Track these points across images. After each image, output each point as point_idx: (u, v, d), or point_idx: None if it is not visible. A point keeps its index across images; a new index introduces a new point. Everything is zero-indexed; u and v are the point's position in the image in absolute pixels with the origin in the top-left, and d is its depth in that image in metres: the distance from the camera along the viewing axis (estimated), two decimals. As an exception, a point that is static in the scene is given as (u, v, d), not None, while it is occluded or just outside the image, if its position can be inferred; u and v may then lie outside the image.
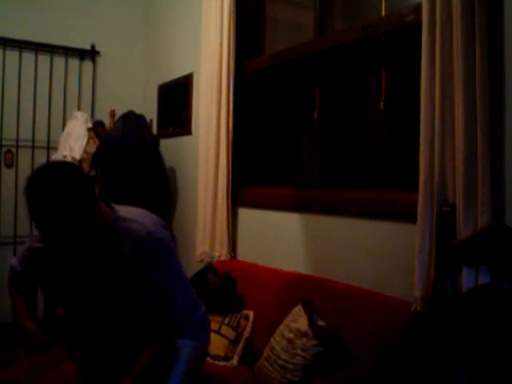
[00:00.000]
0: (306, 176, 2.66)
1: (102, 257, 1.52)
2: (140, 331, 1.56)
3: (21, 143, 3.62)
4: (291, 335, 1.93)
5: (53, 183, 1.37)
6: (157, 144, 3.41)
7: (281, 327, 2.03)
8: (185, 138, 3.48)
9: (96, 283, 1.55)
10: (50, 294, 1.64)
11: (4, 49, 3.55)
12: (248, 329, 2.29)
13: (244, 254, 2.86)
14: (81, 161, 3.35)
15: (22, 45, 3.58)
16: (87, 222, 1.43)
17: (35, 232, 1.62)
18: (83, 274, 1.56)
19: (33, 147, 3.66)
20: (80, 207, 1.39)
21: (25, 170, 3.63)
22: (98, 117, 3.71)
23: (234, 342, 2.24)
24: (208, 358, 2.10)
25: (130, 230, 1.49)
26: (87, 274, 1.55)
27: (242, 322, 2.31)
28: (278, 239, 2.64)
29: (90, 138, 3.42)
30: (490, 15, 1.59)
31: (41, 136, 3.68)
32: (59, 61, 3.75)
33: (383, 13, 2.27)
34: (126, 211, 1.58)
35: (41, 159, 3.69)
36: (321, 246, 2.38)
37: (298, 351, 1.87)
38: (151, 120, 3.83)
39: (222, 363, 2.17)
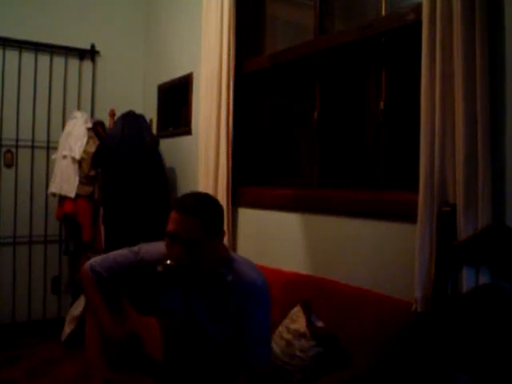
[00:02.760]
0: (305, 176, 2.66)
1: (217, 292, 1.62)
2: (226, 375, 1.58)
3: (21, 143, 3.62)
4: (290, 336, 1.93)
5: (203, 205, 1.55)
6: (156, 144, 3.41)
7: (280, 328, 2.02)
8: (185, 138, 3.48)
9: (200, 314, 1.63)
10: (144, 309, 1.66)
11: (4, 49, 3.55)
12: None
13: (244, 254, 2.85)
14: (80, 161, 3.35)
15: (21, 45, 3.58)
16: (209, 248, 1.54)
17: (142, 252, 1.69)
18: (189, 299, 1.64)
19: (33, 147, 3.66)
20: (211, 230, 1.53)
21: (25, 170, 3.65)
22: (98, 117, 3.71)
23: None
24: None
25: (244, 272, 1.61)
26: (194, 301, 1.63)
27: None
28: (278, 239, 2.63)
29: (89, 137, 3.42)
30: (490, 15, 1.59)
31: (41, 136, 3.68)
32: (59, 61, 3.74)
33: (383, 13, 2.27)
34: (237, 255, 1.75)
35: (41, 159, 3.70)
36: (321, 245, 2.37)
37: (297, 352, 1.86)
38: (151, 120, 3.83)
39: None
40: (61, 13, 3.72)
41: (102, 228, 3.35)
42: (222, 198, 2.82)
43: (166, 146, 3.62)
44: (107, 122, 3.61)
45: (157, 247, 1.64)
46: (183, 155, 3.48)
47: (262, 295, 1.61)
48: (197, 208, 1.51)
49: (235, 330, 1.60)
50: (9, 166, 3.61)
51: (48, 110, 3.70)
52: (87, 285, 1.71)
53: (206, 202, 1.57)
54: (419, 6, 1.83)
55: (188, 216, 1.49)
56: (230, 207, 2.85)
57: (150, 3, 4.07)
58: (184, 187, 3.46)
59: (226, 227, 2.81)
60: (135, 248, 1.71)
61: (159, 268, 1.52)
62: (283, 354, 1.91)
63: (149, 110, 3.84)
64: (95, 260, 1.74)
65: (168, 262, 1.52)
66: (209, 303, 1.63)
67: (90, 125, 3.47)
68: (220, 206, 1.60)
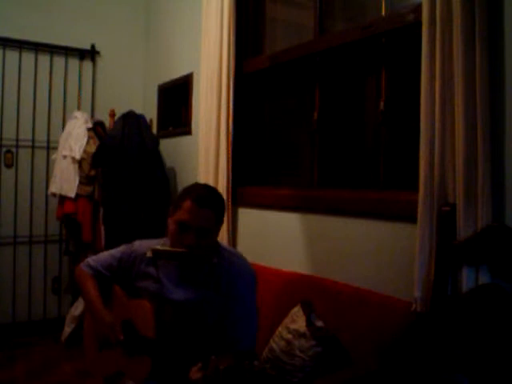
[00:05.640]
0: (305, 176, 2.66)
1: (207, 277, 1.71)
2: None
3: (21, 143, 3.62)
4: (290, 336, 1.93)
5: (215, 197, 1.70)
6: (157, 144, 3.41)
7: (280, 328, 2.02)
8: (185, 138, 3.48)
9: (191, 299, 1.69)
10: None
11: (4, 49, 3.55)
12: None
13: (244, 254, 2.84)
14: (81, 161, 3.35)
15: (22, 45, 3.58)
16: (215, 236, 1.71)
17: (137, 245, 1.82)
18: (183, 285, 1.71)
19: (33, 147, 3.66)
20: (219, 220, 1.70)
21: (25, 170, 3.65)
22: (98, 117, 3.71)
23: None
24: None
25: (233, 261, 1.74)
26: (187, 286, 1.71)
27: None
28: (278, 239, 2.64)
29: (89, 137, 3.42)
30: (490, 15, 1.59)
31: (41, 136, 3.68)
32: (59, 61, 3.75)
33: (383, 13, 2.27)
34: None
35: (41, 159, 3.70)
36: (321, 245, 2.37)
37: (297, 352, 1.87)
38: (151, 120, 3.83)
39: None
40: (61, 13, 3.72)
41: (102, 228, 3.35)
42: (222, 197, 2.82)
43: (166, 145, 3.62)
44: (107, 122, 3.61)
45: (149, 242, 1.78)
46: (183, 155, 3.48)
47: (249, 279, 1.74)
48: (212, 200, 1.66)
49: (223, 313, 1.67)
50: (9, 166, 3.61)
51: (48, 110, 3.70)
52: (84, 279, 1.82)
53: (217, 194, 1.73)
54: (419, 7, 1.84)
55: (204, 208, 1.61)
56: (230, 207, 2.85)
57: (150, 3, 4.07)
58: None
59: (225, 225, 2.83)
60: (130, 243, 1.85)
61: (148, 253, 1.69)
62: (283, 354, 1.91)
63: (149, 110, 3.85)
64: (91, 258, 1.88)
65: (158, 247, 1.68)
66: (197, 287, 1.70)
67: (90, 125, 3.47)
68: (224, 199, 1.76)
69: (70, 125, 3.49)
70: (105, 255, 1.87)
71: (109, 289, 1.84)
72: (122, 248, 1.85)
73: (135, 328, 1.67)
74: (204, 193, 1.67)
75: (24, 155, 3.65)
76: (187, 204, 1.61)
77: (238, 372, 1.31)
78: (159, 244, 1.73)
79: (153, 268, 1.73)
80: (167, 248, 1.68)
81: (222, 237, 2.83)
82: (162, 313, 1.64)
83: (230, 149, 2.84)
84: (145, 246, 1.77)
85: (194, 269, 1.71)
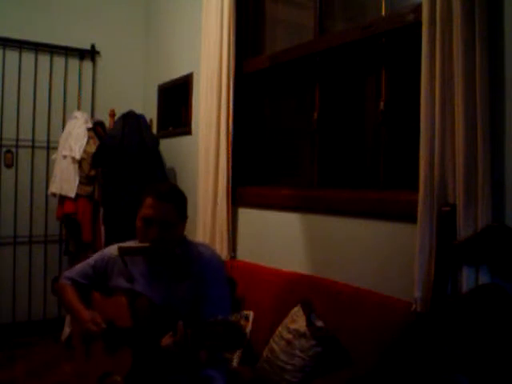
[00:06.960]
0: (306, 176, 2.66)
1: (175, 269, 1.77)
2: None
3: (21, 143, 3.62)
4: (290, 336, 1.93)
5: (175, 192, 1.80)
6: (157, 144, 3.41)
7: (280, 328, 2.03)
8: (185, 138, 3.48)
9: (162, 291, 1.74)
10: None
11: (4, 49, 3.55)
12: (248, 329, 2.29)
13: (244, 254, 2.86)
14: (81, 161, 3.35)
15: (22, 45, 3.58)
16: (178, 230, 1.76)
17: (109, 250, 1.89)
18: (154, 282, 1.77)
19: (33, 147, 3.67)
20: (181, 214, 1.77)
21: (25, 170, 3.65)
22: (98, 117, 3.71)
23: (233, 343, 2.23)
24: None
25: (200, 251, 1.81)
26: (158, 283, 1.76)
27: (242, 322, 2.30)
28: (278, 239, 2.64)
29: (89, 137, 3.42)
30: (490, 15, 1.59)
31: (41, 136, 3.68)
32: (59, 61, 3.75)
33: (383, 13, 2.27)
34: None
35: (41, 159, 3.70)
36: (321, 245, 2.38)
37: (297, 352, 1.87)
38: (151, 120, 3.83)
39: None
40: (61, 13, 3.73)
41: (102, 228, 3.35)
42: (222, 197, 2.82)
43: (166, 145, 3.62)
44: (107, 122, 3.61)
45: (122, 244, 1.83)
46: (183, 155, 3.48)
47: (219, 265, 1.81)
48: (171, 195, 1.75)
49: (194, 303, 1.71)
50: (9, 166, 3.61)
51: (48, 110, 3.70)
52: (62, 289, 1.89)
53: (176, 190, 1.82)
54: (419, 7, 1.84)
55: (164, 201, 1.71)
56: (230, 207, 2.85)
57: (150, 3, 4.07)
58: (184, 187, 3.45)
59: (225, 225, 2.83)
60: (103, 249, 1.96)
61: (115, 252, 1.76)
62: (283, 354, 1.91)
63: (149, 110, 3.85)
64: (67, 271, 1.98)
65: (123, 244, 1.75)
66: (168, 283, 1.75)
67: (90, 125, 3.47)
68: (184, 194, 1.83)
69: (70, 125, 3.49)
70: (79, 266, 1.94)
71: (88, 297, 1.88)
72: (95, 255, 1.93)
73: (115, 324, 1.70)
74: (164, 188, 1.77)
75: (24, 155, 3.65)
76: (148, 200, 1.72)
77: (204, 330, 1.35)
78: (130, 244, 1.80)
79: (123, 266, 1.78)
80: (132, 244, 1.76)
81: (222, 237, 2.83)
82: (137, 308, 1.68)
83: (229, 149, 2.84)
84: (116, 247, 1.83)
85: (162, 263, 1.77)
